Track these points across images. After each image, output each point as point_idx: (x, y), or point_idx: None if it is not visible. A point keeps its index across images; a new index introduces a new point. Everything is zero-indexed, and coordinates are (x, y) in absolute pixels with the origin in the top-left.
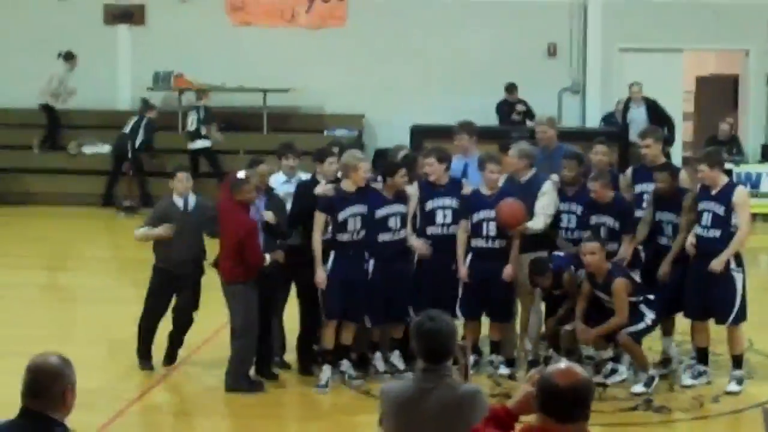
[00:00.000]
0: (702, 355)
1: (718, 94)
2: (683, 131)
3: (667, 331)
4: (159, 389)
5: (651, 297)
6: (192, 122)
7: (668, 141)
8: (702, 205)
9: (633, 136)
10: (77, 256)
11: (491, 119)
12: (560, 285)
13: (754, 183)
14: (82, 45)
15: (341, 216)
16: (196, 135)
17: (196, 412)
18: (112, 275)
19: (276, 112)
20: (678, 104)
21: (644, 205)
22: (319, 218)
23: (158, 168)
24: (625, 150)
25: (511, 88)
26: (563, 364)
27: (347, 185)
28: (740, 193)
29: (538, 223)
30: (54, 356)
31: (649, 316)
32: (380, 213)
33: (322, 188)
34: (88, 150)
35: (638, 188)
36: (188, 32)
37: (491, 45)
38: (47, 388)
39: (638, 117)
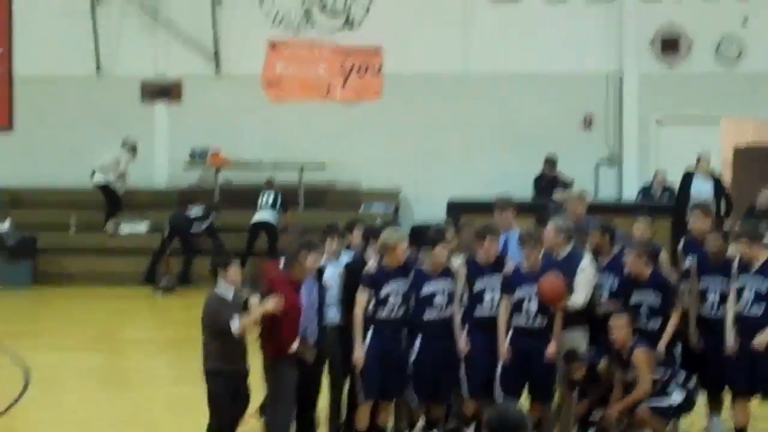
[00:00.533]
0: None
1: (756, 164)
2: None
3: (714, 409)
4: None
5: (683, 377)
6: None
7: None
8: (741, 281)
9: None
10: (115, 337)
11: (528, 192)
12: (595, 377)
13: None
14: (120, 122)
15: (383, 292)
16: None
17: None
18: (150, 357)
19: (312, 187)
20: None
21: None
22: (362, 294)
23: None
24: (679, 224)
25: (551, 161)
26: None
27: (387, 262)
28: None
29: (578, 298)
30: None
31: (677, 396)
32: (426, 290)
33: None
34: (125, 229)
35: (688, 261)
36: (224, 108)
37: (527, 117)
38: None
39: (704, 191)
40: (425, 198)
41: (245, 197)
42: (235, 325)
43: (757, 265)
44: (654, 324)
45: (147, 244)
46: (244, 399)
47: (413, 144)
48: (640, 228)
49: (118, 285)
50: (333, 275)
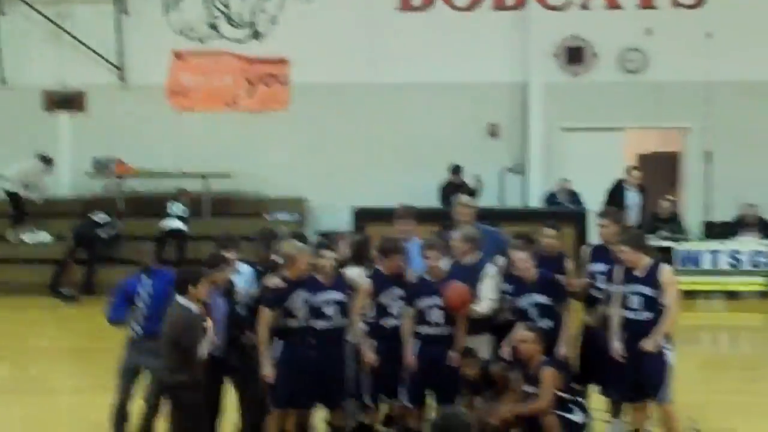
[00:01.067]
0: None
1: (659, 172)
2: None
3: (615, 412)
4: None
5: (582, 401)
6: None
7: None
8: (629, 288)
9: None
10: (15, 346)
11: (433, 200)
12: (490, 377)
13: (694, 260)
14: (22, 131)
15: (288, 304)
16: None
17: None
18: (50, 366)
19: (218, 196)
20: None
21: (598, 284)
22: (265, 313)
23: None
24: (583, 231)
25: (455, 169)
26: None
27: (290, 274)
28: (667, 271)
29: (483, 306)
30: None
31: (578, 416)
32: (317, 300)
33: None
34: (28, 239)
35: (594, 267)
36: (129, 118)
37: (433, 127)
38: None
39: (632, 201)
40: (331, 207)
41: (149, 206)
42: (203, 351)
43: (640, 271)
44: (545, 323)
45: (51, 254)
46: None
47: (320, 153)
48: (547, 234)
49: (21, 295)
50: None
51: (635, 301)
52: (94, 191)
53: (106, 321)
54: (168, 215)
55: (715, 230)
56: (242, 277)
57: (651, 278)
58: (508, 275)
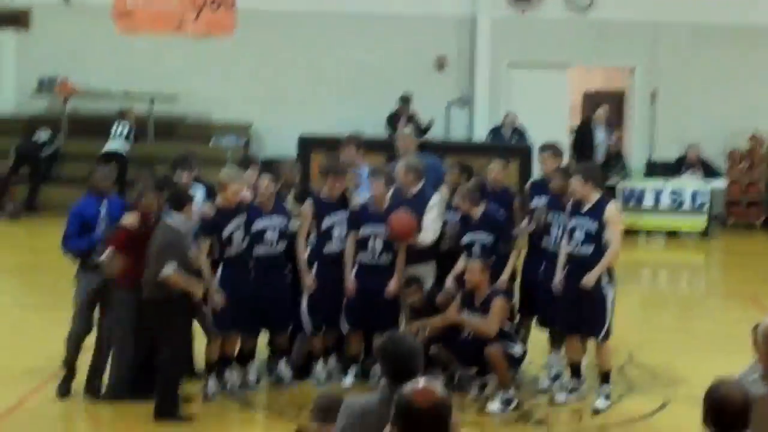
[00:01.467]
0: (575, 370)
1: None
2: (569, 146)
3: (554, 344)
4: (37, 396)
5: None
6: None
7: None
8: (573, 221)
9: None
10: None
11: (380, 130)
12: (433, 303)
13: (638, 198)
14: None
15: (225, 232)
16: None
17: (79, 417)
18: None
19: (163, 119)
20: (564, 119)
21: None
22: (204, 243)
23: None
24: (528, 166)
25: (405, 100)
26: (421, 383)
27: (222, 201)
28: (612, 209)
29: (427, 236)
30: None
31: (518, 348)
32: (257, 226)
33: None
34: None
35: (536, 201)
36: (74, 37)
37: (381, 57)
38: None
39: (600, 140)
40: (277, 133)
41: (93, 127)
42: (167, 271)
43: (587, 206)
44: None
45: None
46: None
47: (266, 79)
48: (494, 169)
49: None
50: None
51: (578, 236)
52: (38, 110)
53: (52, 242)
54: (113, 136)
55: (658, 169)
56: (196, 198)
57: (596, 213)
58: (454, 207)
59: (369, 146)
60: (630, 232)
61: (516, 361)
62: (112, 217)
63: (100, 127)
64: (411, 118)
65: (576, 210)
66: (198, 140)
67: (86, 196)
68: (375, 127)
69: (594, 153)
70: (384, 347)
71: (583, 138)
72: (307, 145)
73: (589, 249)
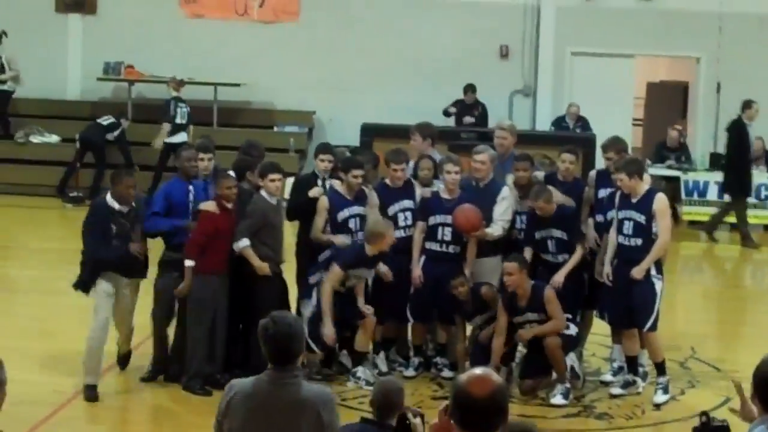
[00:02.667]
0: (631, 364)
1: (668, 101)
2: (633, 137)
3: (616, 336)
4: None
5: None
6: (183, 115)
7: None
8: (622, 214)
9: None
10: (21, 246)
11: (442, 119)
12: (479, 298)
13: (701, 191)
14: (33, 33)
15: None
16: (180, 128)
17: (139, 408)
18: (54, 266)
19: (226, 106)
20: (628, 110)
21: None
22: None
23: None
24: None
25: (468, 89)
26: (478, 371)
27: (369, 250)
28: (660, 200)
29: (496, 229)
30: None
31: (572, 329)
32: (341, 215)
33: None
34: (35, 139)
35: (602, 193)
36: (140, 23)
37: (445, 45)
38: None
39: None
40: (340, 121)
41: (158, 113)
42: (239, 245)
43: (636, 198)
44: (563, 258)
45: (58, 155)
46: None
47: (329, 67)
48: (566, 161)
49: (28, 195)
50: None
51: (627, 227)
52: (103, 95)
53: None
54: (175, 124)
55: (722, 161)
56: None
57: (645, 205)
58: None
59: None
60: (693, 224)
61: (572, 342)
62: (197, 201)
63: (165, 113)
64: (473, 108)
65: (625, 202)
66: (261, 127)
67: (174, 179)
68: (437, 116)
69: (749, 151)
70: (265, 328)
71: (735, 139)
72: (370, 133)
73: (638, 241)
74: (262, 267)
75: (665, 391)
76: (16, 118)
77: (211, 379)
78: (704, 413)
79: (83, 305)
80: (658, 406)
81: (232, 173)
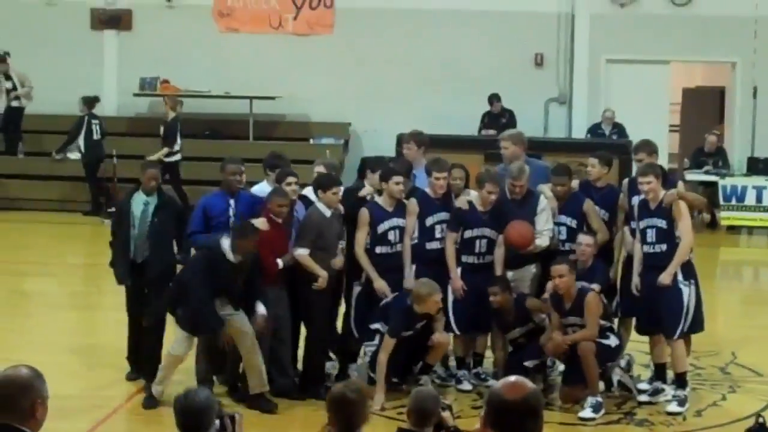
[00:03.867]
0: (660, 372)
1: (705, 107)
2: (669, 143)
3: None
4: (140, 397)
5: (613, 326)
6: (97, 131)
7: None
8: (644, 223)
9: None
10: (58, 262)
11: (476, 129)
12: (523, 309)
13: (739, 196)
14: (69, 50)
15: None
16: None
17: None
18: (91, 282)
19: (262, 119)
20: (664, 116)
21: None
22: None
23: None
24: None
25: (492, 99)
26: (511, 378)
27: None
28: (679, 204)
29: (544, 240)
30: (24, 368)
31: (614, 340)
32: (381, 228)
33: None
34: (73, 156)
35: (635, 200)
36: (175, 38)
37: (479, 54)
38: (16, 402)
39: None
40: (375, 132)
41: (195, 128)
42: (297, 252)
43: (655, 204)
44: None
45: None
46: None
47: (364, 78)
48: (589, 164)
49: (62, 211)
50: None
51: (651, 235)
52: (139, 111)
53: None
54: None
55: (760, 166)
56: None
57: (664, 211)
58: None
59: (466, 145)
60: (731, 229)
61: (611, 353)
62: (238, 214)
63: (201, 127)
64: (498, 117)
65: (644, 211)
66: (297, 140)
67: (216, 192)
68: (472, 125)
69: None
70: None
71: None
72: None
73: (662, 247)
74: (324, 276)
75: (681, 404)
76: (52, 135)
77: (285, 388)
78: (759, 414)
79: (121, 320)
80: (671, 414)
81: (287, 188)
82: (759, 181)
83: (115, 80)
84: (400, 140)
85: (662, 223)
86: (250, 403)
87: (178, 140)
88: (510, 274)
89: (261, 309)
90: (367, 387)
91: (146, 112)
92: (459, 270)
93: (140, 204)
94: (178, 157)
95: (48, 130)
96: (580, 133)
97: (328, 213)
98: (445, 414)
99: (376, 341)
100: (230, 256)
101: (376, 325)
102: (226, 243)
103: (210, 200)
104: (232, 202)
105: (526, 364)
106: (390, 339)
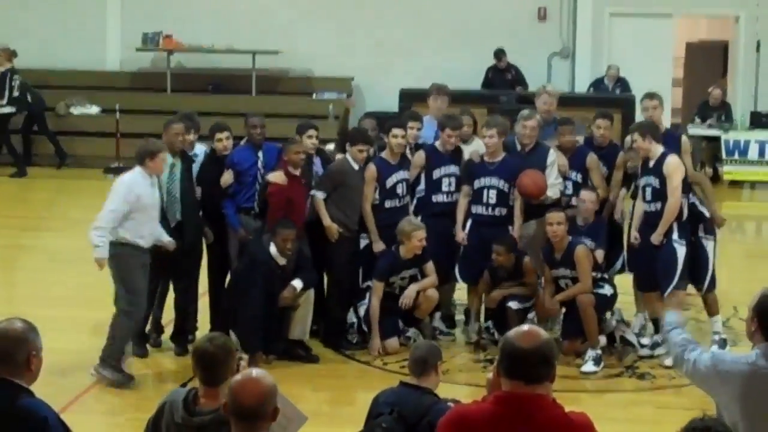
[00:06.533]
0: (658, 326)
1: (708, 61)
2: (672, 97)
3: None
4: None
5: (606, 276)
6: (17, 87)
7: None
8: (643, 180)
9: None
10: (62, 217)
11: (479, 83)
12: (519, 268)
13: (742, 150)
14: (71, 5)
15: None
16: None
17: (177, 378)
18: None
19: (265, 74)
20: (668, 70)
21: None
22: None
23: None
24: (631, 118)
25: (499, 54)
26: (525, 326)
27: (403, 252)
28: (669, 162)
29: (555, 192)
30: (18, 321)
31: (608, 289)
32: (390, 182)
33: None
34: (76, 111)
35: None
36: None
37: (482, 8)
38: (11, 355)
39: None
40: (378, 87)
41: (197, 82)
42: (316, 194)
43: (652, 162)
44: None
45: (99, 126)
46: None
47: (366, 33)
48: (601, 126)
49: (70, 166)
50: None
51: (648, 193)
52: (142, 65)
53: None
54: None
55: (763, 120)
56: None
57: (658, 169)
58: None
59: (470, 99)
60: (734, 183)
61: (607, 302)
62: (268, 165)
63: (204, 82)
64: (504, 72)
65: (645, 169)
66: (300, 95)
67: (242, 146)
68: (475, 80)
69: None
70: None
71: None
72: (409, 98)
73: (657, 205)
74: (331, 227)
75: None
76: (54, 90)
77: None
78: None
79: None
80: (668, 368)
81: (306, 141)
82: (762, 135)
83: (118, 35)
84: (403, 95)
85: (656, 182)
86: (287, 350)
87: (6, 93)
88: (511, 229)
89: (297, 283)
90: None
91: (149, 67)
92: (469, 221)
93: (164, 165)
94: (6, 110)
95: (51, 85)
96: (583, 87)
97: (356, 166)
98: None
99: (367, 300)
100: (280, 260)
101: (368, 283)
102: (273, 249)
103: (239, 154)
104: (260, 154)
105: (510, 304)
106: (378, 283)
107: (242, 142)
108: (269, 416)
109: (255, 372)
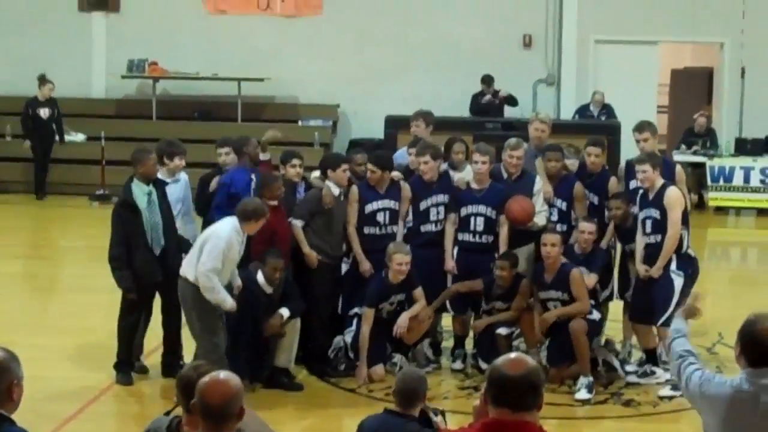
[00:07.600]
0: (651, 357)
1: (693, 87)
2: (658, 124)
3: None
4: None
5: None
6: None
7: None
8: (643, 213)
9: None
10: (50, 245)
11: (466, 110)
12: (514, 288)
13: (727, 177)
14: (56, 32)
15: None
16: None
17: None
18: (84, 264)
19: (251, 101)
20: (653, 97)
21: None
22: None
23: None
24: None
25: (487, 79)
26: (513, 354)
27: (392, 277)
28: (670, 195)
29: (541, 219)
30: (0, 350)
31: (596, 314)
32: (369, 207)
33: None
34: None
35: (632, 184)
36: (163, 20)
37: (468, 35)
38: None
39: None
40: (364, 113)
41: (183, 109)
42: (293, 222)
43: (652, 194)
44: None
45: (85, 154)
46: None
47: (352, 60)
48: (592, 154)
49: (56, 194)
50: None
51: (648, 225)
52: (127, 93)
53: None
54: None
55: (747, 146)
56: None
57: (658, 201)
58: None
59: (456, 126)
60: (719, 210)
61: (595, 327)
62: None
63: (189, 109)
64: (495, 95)
65: (644, 201)
66: (286, 122)
67: (238, 167)
68: (461, 107)
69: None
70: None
71: None
72: (394, 125)
73: (657, 237)
74: (310, 255)
75: (675, 388)
76: None
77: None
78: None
79: (113, 301)
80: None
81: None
82: (746, 161)
83: (103, 62)
84: (389, 122)
85: (656, 214)
86: (272, 378)
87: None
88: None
89: (284, 311)
90: (215, 370)
91: (135, 94)
92: (456, 249)
93: (143, 194)
94: None
95: None
96: (568, 114)
97: (337, 191)
98: (438, 419)
99: (354, 327)
100: (267, 289)
101: (355, 310)
102: (261, 277)
103: (233, 177)
104: (253, 176)
105: (499, 330)
106: (369, 310)
107: (236, 165)
108: (235, 416)
109: (222, 374)
